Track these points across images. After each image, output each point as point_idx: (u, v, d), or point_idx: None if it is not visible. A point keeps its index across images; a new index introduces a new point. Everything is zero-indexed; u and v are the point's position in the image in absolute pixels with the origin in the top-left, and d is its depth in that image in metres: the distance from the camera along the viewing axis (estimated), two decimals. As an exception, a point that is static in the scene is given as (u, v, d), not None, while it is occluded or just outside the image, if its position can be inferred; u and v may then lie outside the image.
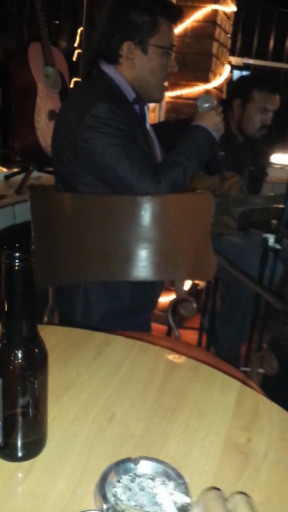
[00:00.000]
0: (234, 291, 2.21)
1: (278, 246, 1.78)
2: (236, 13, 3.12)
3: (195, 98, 1.58)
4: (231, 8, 3.00)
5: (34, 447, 0.58)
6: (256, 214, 2.36)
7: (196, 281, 2.67)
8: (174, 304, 1.46)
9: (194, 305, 1.42)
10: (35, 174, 2.15)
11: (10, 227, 1.84)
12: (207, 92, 2.79)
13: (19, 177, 2.07)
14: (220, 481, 0.56)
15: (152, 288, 1.50)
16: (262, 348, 2.02)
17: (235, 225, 2.10)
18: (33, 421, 0.58)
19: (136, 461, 0.56)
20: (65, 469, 0.57)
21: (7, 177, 2.22)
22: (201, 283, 2.73)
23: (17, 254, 0.52)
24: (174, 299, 1.44)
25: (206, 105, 1.48)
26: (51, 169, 1.86)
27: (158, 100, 1.54)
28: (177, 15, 1.43)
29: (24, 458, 0.57)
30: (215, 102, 1.49)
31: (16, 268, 0.53)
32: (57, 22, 3.07)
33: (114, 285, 1.40)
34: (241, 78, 2.92)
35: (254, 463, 0.60)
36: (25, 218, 1.85)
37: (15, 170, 2.22)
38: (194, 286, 2.88)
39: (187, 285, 2.75)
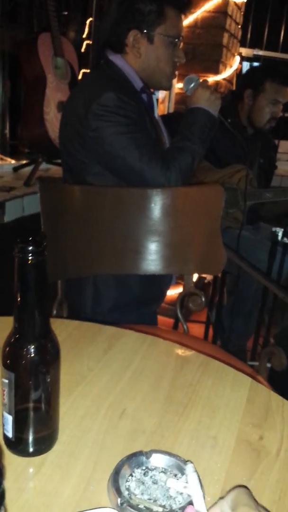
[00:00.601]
0: (242, 284, 2.20)
1: (286, 240, 1.77)
2: (247, 3, 3.08)
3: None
4: (242, -2, 2.96)
5: (45, 442, 0.58)
6: (265, 207, 2.35)
7: (204, 275, 2.67)
8: (182, 298, 1.45)
9: (203, 299, 1.41)
10: (43, 166, 2.14)
11: (18, 219, 1.83)
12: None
13: (28, 169, 2.07)
14: (233, 479, 0.56)
15: (162, 280, 1.50)
16: (270, 343, 2.01)
17: (244, 218, 2.09)
18: (45, 416, 0.58)
19: (148, 454, 0.56)
20: (76, 465, 0.57)
21: (15, 169, 2.21)
22: (208, 277, 2.72)
23: (30, 248, 0.52)
24: (182, 293, 1.44)
25: (191, 85, 1.46)
26: (60, 161, 1.85)
27: (167, 88, 1.53)
28: (186, 5, 1.41)
29: (35, 453, 0.57)
30: (199, 79, 1.47)
31: (30, 262, 0.52)
32: (66, 13, 3.05)
33: (124, 276, 1.39)
34: (254, 68, 2.88)
35: (267, 461, 0.59)
36: (33, 210, 1.84)
37: (24, 162, 2.21)
38: (201, 279, 2.87)
39: (194, 278, 2.75)
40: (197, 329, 2.63)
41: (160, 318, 1.66)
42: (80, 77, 2.36)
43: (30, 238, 0.52)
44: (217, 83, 2.80)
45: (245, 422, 0.66)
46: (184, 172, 1.31)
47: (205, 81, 1.46)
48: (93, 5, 2.75)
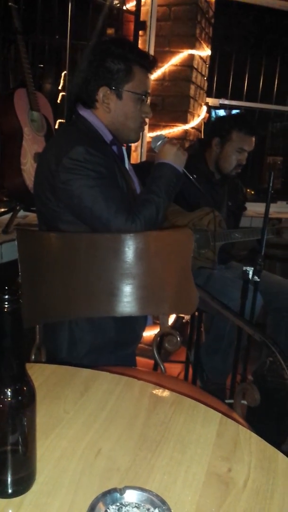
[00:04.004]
0: (217, 323, 2.25)
1: (257, 279, 1.84)
2: (211, 56, 3.28)
3: (175, 138, 1.68)
4: (207, 52, 3.15)
5: (23, 484, 0.60)
6: (236, 247, 2.43)
7: (181, 314, 2.71)
8: (158, 338, 1.49)
9: (178, 338, 1.45)
10: (21, 213, 2.19)
11: (-4, 266, 1.87)
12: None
13: (6, 217, 2.11)
14: (203, 511, 0.59)
15: (137, 321, 1.53)
16: (246, 380, 2.04)
17: (215, 258, 2.16)
18: (23, 458, 0.60)
19: (122, 491, 0.59)
20: (54, 504, 0.59)
21: (-6, 216, 2.25)
22: (186, 316, 2.77)
23: (6, 297, 0.56)
24: (158, 333, 1.48)
25: (159, 142, 1.57)
26: (36, 208, 1.90)
27: (134, 141, 1.62)
28: (152, 64, 1.51)
29: (14, 495, 0.59)
30: (166, 137, 1.58)
31: (5, 310, 0.56)
32: (42, 65, 3.19)
33: (99, 319, 1.43)
34: (221, 118, 3.05)
35: (235, 492, 0.63)
36: (12, 257, 1.88)
37: (2, 210, 2.26)
38: (179, 319, 2.91)
39: (172, 318, 2.78)
40: (177, 369, 2.66)
41: (140, 359, 1.69)
42: (56, 126, 2.45)
43: (6, 288, 0.57)
44: (186, 132, 2.93)
45: (215, 455, 0.70)
46: (149, 223, 1.39)
47: (172, 139, 1.56)
48: (67, 58, 2.88)
